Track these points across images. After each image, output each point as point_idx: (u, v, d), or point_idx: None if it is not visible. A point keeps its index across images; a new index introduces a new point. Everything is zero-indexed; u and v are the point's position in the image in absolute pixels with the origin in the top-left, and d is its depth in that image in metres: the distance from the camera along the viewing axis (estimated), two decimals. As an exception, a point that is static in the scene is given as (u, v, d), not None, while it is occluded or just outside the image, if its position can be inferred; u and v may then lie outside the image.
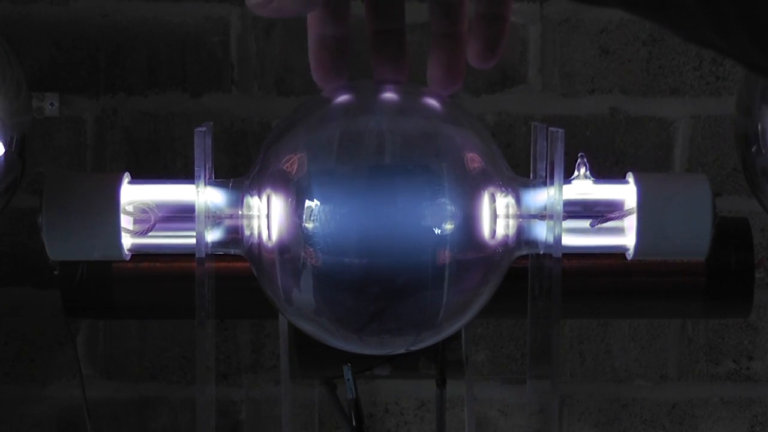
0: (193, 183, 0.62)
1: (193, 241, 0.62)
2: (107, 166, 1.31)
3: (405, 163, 0.57)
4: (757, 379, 1.37)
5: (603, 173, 0.69)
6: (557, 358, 0.66)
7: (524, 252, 0.63)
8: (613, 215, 0.67)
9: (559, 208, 0.62)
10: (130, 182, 0.67)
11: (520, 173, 0.64)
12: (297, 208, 0.56)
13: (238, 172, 0.62)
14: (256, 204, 0.59)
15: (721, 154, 1.32)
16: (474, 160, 0.58)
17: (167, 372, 1.36)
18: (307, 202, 0.55)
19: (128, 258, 0.67)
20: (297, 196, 0.56)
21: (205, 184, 0.62)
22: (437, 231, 0.55)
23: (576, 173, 0.67)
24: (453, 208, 0.56)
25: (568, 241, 0.65)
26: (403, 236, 0.55)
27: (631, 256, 0.68)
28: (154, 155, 1.32)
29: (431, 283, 0.56)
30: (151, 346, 1.35)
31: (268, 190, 0.58)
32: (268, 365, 1.35)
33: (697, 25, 0.31)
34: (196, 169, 0.61)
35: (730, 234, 0.96)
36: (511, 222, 0.60)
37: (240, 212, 0.61)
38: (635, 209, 0.66)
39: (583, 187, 0.67)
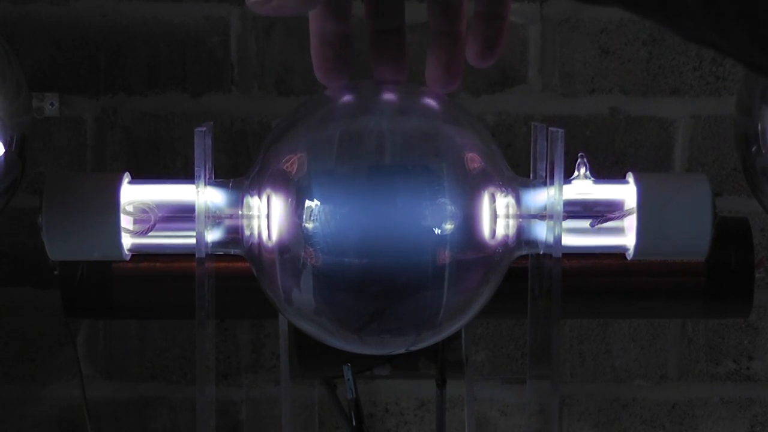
0: (193, 183, 0.62)
1: (193, 241, 0.62)
2: (107, 166, 1.31)
3: (405, 163, 0.57)
4: (757, 379, 1.37)
5: (603, 173, 0.69)
6: (557, 358, 0.66)
7: (524, 252, 0.63)
8: (613, 215, 0.67)
9: (559, 208, 0.62)
10: (130, 182, 0.67)
11: (520, 173, 0.64)
12: (297, 208, 0.56)
13: (238, 172, 0.62)
14: (256, 204, 0.59)
15: (721, 154, 1.32)
16: (474, 160, 0.58)
17: (167, 372, 1.36)
18: (307, 202, 0.55)
19: (128, 258, 0.67)
20: (297, 196, 0.56)
21: (205, 184, 0.62)
22: (437, 231, 0.55)
23: (576, 173, 0.67)
24: (453, 208, 0.56)
25: (568, 241, 0.65)
26: (403, 236, 0.55)
27: (631, 256, 0.68)
28: (154, 155, 1.32)
29: (431, 283, 0.56)
30: (151, 346, 1.35)
31: (268, 190, 0.58)
32: (268, 365, 1.35)
33: (697, 25, 0.31)
34: (196, 169, 0.61)
35: (730, 234, 0.96)
36: (511, 222, 0.60)
37: (240, 212, 0.61)
38: (635, 209, 0.66)
39: (583, 187, 0.67)
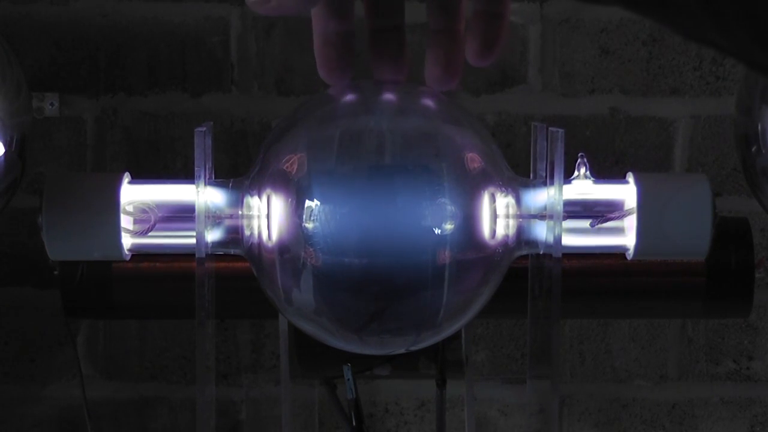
0: (193, 183, 0.62)
1: (193, 241, 0.62)
2: (107, 166, 1.31)
3: (405, 163, 0.57)
4: (757, 379, 1.37)
5: (603, 173, 0.69)
6: (557, 358, 0.66)
7: (524, 252, 0.63)
8: (613, 215, 0.67)
9: (559, 208, 0.62)
10: (130, 182, 0.67)
11: (520, 173, 0.64)
12: (297, 208, 0.56)
13: (238, 172, 0.62)
14: (256, 204, 0.59)
15: (721, 154, 1.32)
16: (474, 160, 0.58)
17: (167, 372, 1.36)
18: (307, 202, 0.55)
19: (128, 258, 0.67)
20: (297, 196, 0.56)
21: (205, 184, 0.62)
22: (437, 231, 0.55)
23: (576, 173, 0.67)
24: (453, 208, 0.56)
25: (568, 241, 0.65)
26: (403, 236, 0.55)
27: (631, 256, 0.68)
28: (154, 155, 1.32)
29: (431, 283, 0.56)
30: (151, 346, 1.35)
31: (268, 190, 0.58)
32: (268, 365, 1.35)
33: (698, 24, 0.31)
34: (196, 169, 0.61)
35: (730, 234, 0.96)
36: (511, 222, 0.60)
37: (240, 212, 0.61)
38: (635, 209, 0.66)
39: (583, 187, 0.67)
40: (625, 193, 0.67)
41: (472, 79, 1.31)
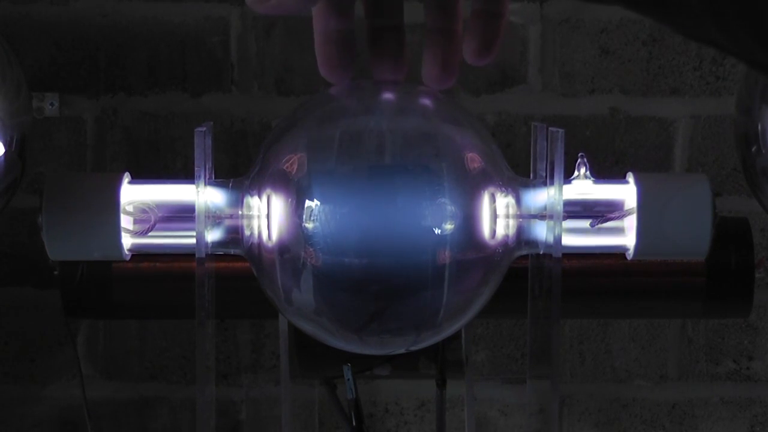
0: (193, 183, 0.62)
1: (193, 241, 0.62)
2: (107, 166, 1.31)
3: (405, 163, 0.57)
4: (757, 379, 1.37)
5: (603, 173, 0.69)
6: (557, 358, 0.66)
7: (524, 252, 0.63)
8: (613, 215, 0.67)
9: (559, 208, 0.62)
10: (130, 182, 0.67)
11: (520, 173, 0.64)
12: (297, 208, 0.56)
13: (238, 172, 0.62)
14: (256, 204, 0.59)
15: (721, 154, 1.32)
16: (474, 160, 0.58)
17: (167, 372, 1.36)
18: (307, 202, 0.55)
19: (128, 258, 0.67)
20: (297, 196, 0.56)
21: (205, 184, 0.62)
22: (437, 231, 0.55)
23: (576, 173, 0.67)
24: (453, 208, 0.56)
25: (568, 241, 0.65)
26: (403, 236, 0.55)
27: (631, 256, 0.68)
28: (154, 155, 1.32)
29: (431, 283, 0.56)
30: (151, 346, 1.35)
31: (268, 190, 0.58)
32: (268, 365, 1.35)
33: (699, 23, 0.31)
34: (196, 169, 0.61)
35: (730, 234, 0.96)
36: (511, 222, 0.60)
37: (240, 212, 0.61)
38: (635, 209, 0.66)
39: (583, 187, 0.67)
40: (625, 193, 0.67)
41: (472, 79, 1.31)
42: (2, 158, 0.85)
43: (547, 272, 0.63)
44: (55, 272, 0.97)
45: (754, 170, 0.93)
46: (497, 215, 0.59)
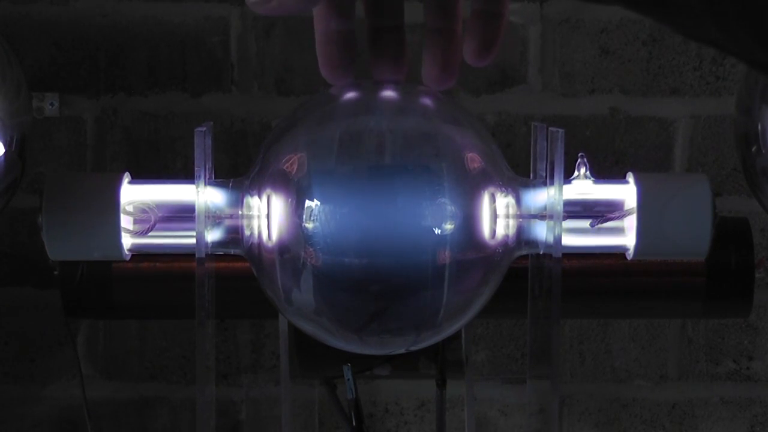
0: (193, 183, 0.62)
1: (193, 241, 0.62)
2: (107, 166, 1.31)
3: (405, 163, 0.57)
4: (757, 379, 1.37)
5: (603, 173, 0.69)
6: (557, 358, 0.66)
7: (524, 252, 0.63)
8: (613, 215, 0.67)
9: (559, 208, 0.62)
10: (130, 182, 0.67)
11: (520, 173, 0.64)
12: (297, 208, 0.56)
13: (238, 172, 0.62)
14: (256, 204, 0.59)
15: (721, 154, 1.32)
16: (474, 160, 0.58)
17: (167, 372, 1.36)
18: (307, 202, 0.55)
19: (128, 258, 0.67)
20: (297, 196, 0.56)
21: (205, 184, 0.62)
22: (437, 231, 0.55)
23: (576, 173, 0.67)
24: (453, 208, 0.56)
25: (568, 241, 0.65)
26: (403, 236, 0.55)
27: (631, 256, 0.68)
28: (154, 155, 1.32)
29: (431, 283, 0.56)
30: (151, 346, 1.35)
31: (268, 190, 0.58)
32: (268, 365, 1.35)
33: (699, 23, 0.31)
34: (196, 169, 0.61)
35: (730, 234, 0.96)
36: (511, 222, 0.60)
37: (240, 212, 0.61)
38: (635, 209, 0.66)
39: (583, 187, 0.67)
40: (625, 193, 0.67)
41: (472, 79, 1.31)
42: (2, 158, 0.85)
43: (547, 272, 0.63)
44: (55, 272, 0.96)
45: (754, 170, 0.93)
46: (497, 215, 0.59)
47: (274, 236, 0.57)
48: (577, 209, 0.66)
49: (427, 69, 0.50)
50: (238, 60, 1.31)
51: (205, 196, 0.62)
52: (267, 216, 0.58)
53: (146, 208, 0.65)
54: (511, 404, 1.38)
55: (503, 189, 0.59)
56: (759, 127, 0.91)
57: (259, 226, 0.59)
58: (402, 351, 0.63)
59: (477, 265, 0.58)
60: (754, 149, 0.92)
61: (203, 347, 0.64)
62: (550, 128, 0.63)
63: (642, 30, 1.30)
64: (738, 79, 1.22)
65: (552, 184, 0.62)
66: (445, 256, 0.56)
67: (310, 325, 0.60)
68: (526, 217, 0.62)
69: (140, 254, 0.67)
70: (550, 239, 0.62)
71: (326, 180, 0.56)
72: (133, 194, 0.66)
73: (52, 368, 1.35)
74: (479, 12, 0.49)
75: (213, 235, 0.62)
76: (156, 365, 1.36)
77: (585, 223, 0.66)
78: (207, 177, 0.62)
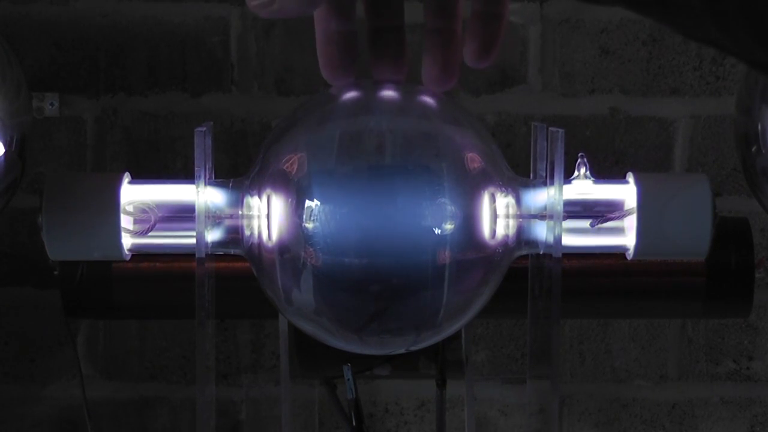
0: (193, 183, 0.62)
1: (193, 241, 0.62)
2: (107, 166, 1.31)
3: (405, 163, 0.57)
4: (757, 379, 1.37)
5: (603, 173, 0.69)
6: (557, 358, 0.66)
7: (524, 252, 0.63)
8: (613, 215, 0.67)
9: (559, 208, 0.62)
10: (130, 182, 0.67)
11: (520, 173, 0.64)
12: (297, 208, 0.56)
13: (238, 172, 0.62)
14: (256, 204, 0.59)
15: (721, 154, 1.32)
16: (474, 160, 0.58)
17: (167, 372, 1.36)
18: (307, 202, 0.55)
19: (128, 258, 0.67)
20: (297, 196, 0.56)
21: (205, 184, 0.62)
22: (437, 231, 0.55)
23: (576, 173, 0.67)
24: (453, 208, 0.56)
25: (568, 241, 0.65)
26: (403, 236, 0.55)
27: (631, 256, 0.68)
28: (154, 155, 1.32)
29: (431, 283, 0.56)
30: (151, 346, 1.35)
31: (268, 190, 0.58)
32: (268, 365, 1.35)
33: (699, 23, 0.32)
34: (196, 169, 0.61)
35: (730, 234, 0.96)
36: (511, 222, 0.60)
37: (240, 212, 0.61)
38: (635, 209, 0.66)
39: (583, 187, 0.67)
40: (625, 193, 0.67)
41: (472, 79, 1.31)
42: (2, 158, 0.85)
43: (547, 272, 0.63)
44: (55, 272, 0.97)
45: (754, 170, 0.93)
46: (497, 215, 0.59)
47: (274, 236, 0.57)
48: (577, 209, 0.66)
49: (427, 70, 0.50)
50: (238, 60, 1.31)
51: (205, 196, 0.62)
52: (267, 216, 0.58)
53: (146, 208, 0.65)
54: (511, 404, 1.38)
55: (503, 189, 0.59)
56: (759, 127, 0.91)
57: (259, 226, 0.59)
58: (402, 351, 0.63)
59: (477, 265, 0.58)
60: (754, 149, 0.92)
61: (203, 347, 0.64)
62: (550, 128, 0.63)
63: (642, 30, 1.30)
64: (738, 79, 1.22)
65: (552, 184, 0.62)
66: (445, 256, 0.56)
67: (310, 325, 0.60)
68: (526, 217, 0.62)
69: (140, 254, 0.67)
70: (550, 239, 0.62)
71: (326, 180, 0.56)
72: (133, 194, 0.66)
73: (52, 368, 1.35)
74: (479, 13, 0.49)
75: (213, 235, 0.62)
76: (156, 365, 1.36)
77: (585, 223, 0.66)
78: (207, 177, 0.62)
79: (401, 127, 0.58)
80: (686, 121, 1.32)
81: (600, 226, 0.66)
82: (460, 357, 0.99)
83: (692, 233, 0.68)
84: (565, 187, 0.64)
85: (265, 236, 0.58)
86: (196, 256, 0.62)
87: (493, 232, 0.58)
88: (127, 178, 0.67)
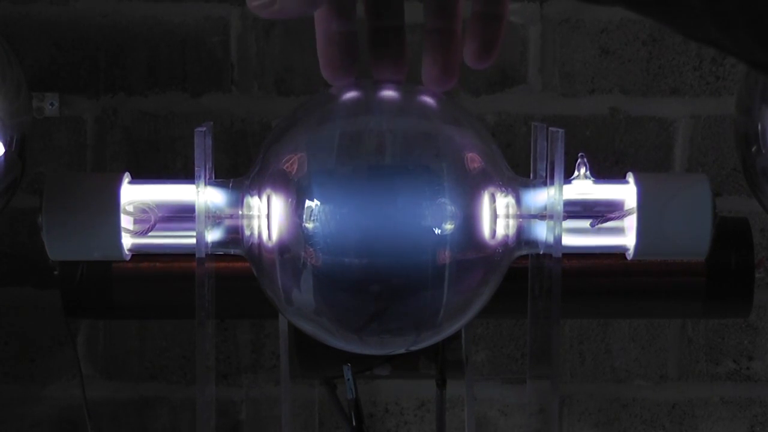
0: (193, 183, 0.62)
1: (193, 241, 0.62)
2: (107, 166, 1.31)
3: (405, 163, 0.57)
4: (757, 379, 1.37)
5: (603, 173, 0.69)
6: (557, 358, 0.66)
7: (524, 252, 0.63)
8: (613, 215, 0.67)
9: (559, 208, 0.62)
10: (130, 182, 0.67)
11: (520, 173, 0.64)
12: (297, 208, 0.56)
13: (238, 172, 0.62)
14: (256, 204, 0.59)
15: (721, 154, 1.32)
16: (474, 160, 0.58)
17: (167, 372, 1.36)
18: (307, 202, 0.55)
19: (128, 258, 0.67)
20: (297, 196, 0.56)
21: (205, 184, 0.62)
22: (437, 231, 0.55)
23: (576, 173, 0.67)
24: (453, 208, 0.56)
25: (568, 241, 0.65)
26: (403, 236, 0.55)
27: (631, 256, 0.68)
28: (154, 155, 1.32)
29: (431, 283, 0.56)
30: (151, 346, 1.35)
31: (268, 190, 0.58)
32: (268, 365, 1.35)
33: (700, 23, 0.32)
34: (196, 169, 0.61)
35: (730, 234, 0.96)
36: (511, 222, 0.60)
37: (240, 212, 0.61)
38: (635, 209, 0.66)
39: (583, 187, 0.67)
40: (625, 193, 0.67)
41: (472, 79, 1.31)
42: (2, 158, 0.85)
43: (547, 272, 0.63)
44: (55, 272, 0.97)
45: (754, 170, 0.93)
46: (497, 215, 0.59)
47: (274, 236, 0.57)
48: (577, 209, 0.66)
49: (427, 70, 0.50)
50: (238, 60, 1.31)
51: (205, 196, 0.62)
52: (267, 216, 0.58)
53: (146, 208, 0.65)
54: (511, 404, 1.38)
55: (503, 189, 0.59)
56: (759, 127, 0.91)
57: (259, 226, 0.59)
58: (402, 351, 0.63)
59: (477, 265, 0.58)
60: (754, 149, 0.92)
61: (203, 347, 0.64)
62: (550, 128, 0.63)
63: (642, 30, 1.30)
64: (738, 79, 1.22)
65: (552, 184, 0.62)
66: (445, 256, 0.56)
67: (310, 325, 0.60)
68: (526, 217, 0.62)
69: (140, 254, 0.67)
70: (550, 239, 0.62)
71: (326, 180, 0.56)
72: (133, 194, 0.66)
73: (52, 368, 1.35)
74: (479, 14, 0.49)
75: (213, 235, 0.62)
76: (156, 365, 1.36)
77: (585, 223, 0.66)
78: (207, 177, 0.62)
79: (401, 127, 0.58)
80: (686, 121, 1.32)
81: (600, 226, 0.66)
82: (460, 357, 0.99)
83: (692, 233, 0.68)
84: (565, 187, 0.64)
85: (265, 236, 0.58)
86: (196, 256, 0.62)
87: (493, 232, 0.58)
88: (127, 178, 0.67)
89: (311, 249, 0.55)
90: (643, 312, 1.08)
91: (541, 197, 0.62)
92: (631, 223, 0.67)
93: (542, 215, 0.62)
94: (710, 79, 1.31)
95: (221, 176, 0.64)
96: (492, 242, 0.58)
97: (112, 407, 1.36)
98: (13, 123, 0.88)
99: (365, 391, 1.33)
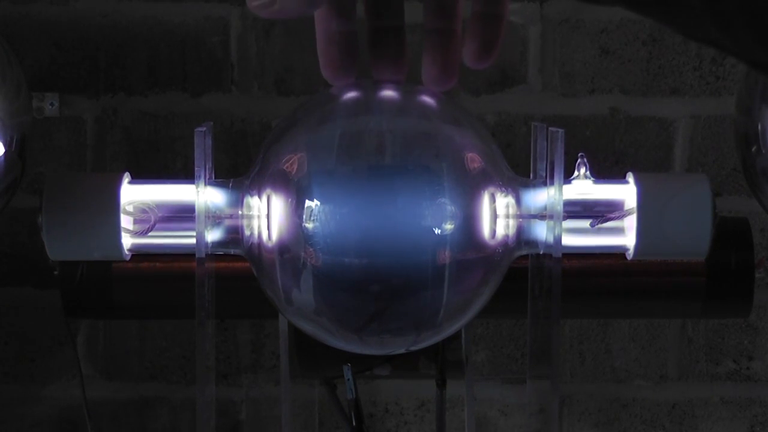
0: (193, 183, 0.62)
1: (193, 241, 0.62)
2: (107, 166, 1.31)
3: (405, 163, 0.57)
4: (757, 379, 1.37)
5: (603, 173, 0.69)
6: (557, 358, 0.66)
7: (524, 252, 0.63)
8: (613, 215, 0.67)
9: (559, 208, 0.62)
10: (130, 182, 0.67)
11: (520, 173, 0.64)
12: (297, 208, 0.56)
13: (238, 172, 0.62)
14: (256, 204, 0.59)
15: (721, 154, 1.32)
16: (474, 160, 0.58)
17: (167, 372, 1.36)
18: (307, 202, 0.55)
19: (128, 258, 0.67)
20: (297, 196, 0.56)
21: (205, 184, 0.62)
22: (437, 231, 0.55)
23: (576, 173, 0.67)
24: (453, 208, 0.56)
25: (568, 241, 0.65)
26: (403, 236, 0.55)
27: (631, 256, 0.68)
28: (154, 155, 1.32)
29: (431, 283, 0.56)
30: (151, 346, 1.35)
31: (268, 190, 0.58)
32: (268, 365, 1.35)
33: (700, 23, 0.32)
34: (196, 169, 0.61)
35: (730, 234, 0.96)
36: (511, 222, 0.60)
37: (240, 212, 0.61)
38: (635, 209, 0.66)
39: (583, 187, 0.67)
40: (625, 193, 0.67)
41: (472, 79, 1.31)
42: (2, 158, 0.85)
43: (547, 272, 0.63)
44: (55, 272, 0.96)
45: (754, 170, 0.93)
46: (497, 215, 0.59)
47: (274, 236, 0.57)
48: (577, 209, 0.66)
49: (426, 70, 0.50)
50: (238, 60, 1.31)
51: (205, 196, 0.62)
52: (267, 216, 0.58)
53: (146, 208, 0.65)
54: (511, 404, 1.38)
55: (503, 189, 0.59)
56: (759, 127, 0.91)
57: (259, 226, 0.59)
58: (402, 351, 0.64)
59: (477, 265, 0.58)
60: (754, 149, 0.92)
61: (203, 347, 0.64)
62: (550, 128, 0.63)
63: (642, 30, 1.30)
64: (738, 79, 1.22)
65: (552, 184, 0.62)
66: (445, 256, 0.56)
67: (310, 325, 0.60)
68: (526, 217, 0.62)
69: (140, 254, 0.67)
70: (550, 239, 0.62)
71: (326, 180, 0.56)
72: (133, 194, 0.66)
73: (52, 368, 1.35)
74: (479, 14, 0.49)
75: (213, 235, 0.62)
76: (156, 365, 1.36)
77: (585, 223, 0.66)
78: (207, 177, 0.62)
79: (401, 127, 0.58)
80: (686, 121, 1.32)
81: (600, 226, 0.66)
82: (460, 357, 0.99)
83: (692, 233, 0.68)
84: (565, 187, 0.64)
85: (265, 236, 0.58)
86: (196, 256, 0.62)
87: (493, 232, 0.58)
88: (127, 178, 0.67)
89: (311, 249, 0.55)
90: (643, 312, 1.08)
91: (541, 197, 0.62)
92: (631, 223, 0.67)
93: (542, 215, 0.62)
94: (710, 79, 1.31)
95: (221, 176, 0.64)
96: (492, 242, 0.58)
97: (112, 407, 1.36)
98: (13, 123, 0.88)
99: (365, 391, 1.33)
